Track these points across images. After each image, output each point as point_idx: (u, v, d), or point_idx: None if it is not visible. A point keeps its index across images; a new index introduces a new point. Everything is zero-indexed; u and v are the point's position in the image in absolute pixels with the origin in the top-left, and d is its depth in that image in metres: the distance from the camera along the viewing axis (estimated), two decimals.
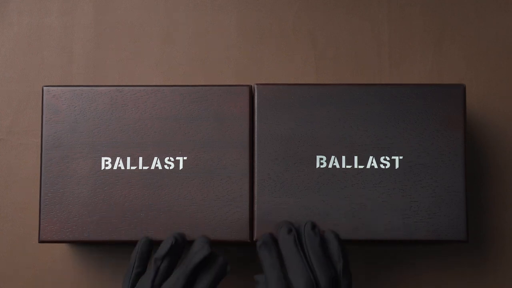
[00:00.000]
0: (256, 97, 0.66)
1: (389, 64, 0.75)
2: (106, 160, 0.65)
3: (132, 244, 0.70)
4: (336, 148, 0.65)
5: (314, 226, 0.62)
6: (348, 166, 0.65)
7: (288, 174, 0.65)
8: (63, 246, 0.72)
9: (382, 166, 0.65)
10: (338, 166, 0.65)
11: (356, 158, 0.65)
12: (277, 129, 0.65)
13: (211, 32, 0.75)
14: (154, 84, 0.73)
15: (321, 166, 0.65)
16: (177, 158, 0.65)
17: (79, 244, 0.72)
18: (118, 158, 0.65)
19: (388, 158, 0.65)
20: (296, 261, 0.60)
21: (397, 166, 0.65)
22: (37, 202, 0.69)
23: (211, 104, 0.66)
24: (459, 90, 0.66)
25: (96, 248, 0.72)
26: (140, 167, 0.65)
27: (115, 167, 0.65)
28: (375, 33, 0.75)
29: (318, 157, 0.65)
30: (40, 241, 0.65)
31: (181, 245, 0.63)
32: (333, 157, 0.65)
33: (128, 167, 0.65)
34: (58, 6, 0.76)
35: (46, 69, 0.75)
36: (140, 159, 0.65)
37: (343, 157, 0.65)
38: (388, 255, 0.72)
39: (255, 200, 0.65)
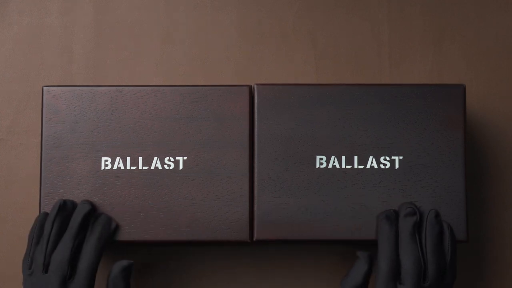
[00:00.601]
0: (256, 97, 0.66)
1: (389, 64, 0.75)
2: (106, 160, 0.65)
3: (132, 244, 0.70)
4: (336, 148, 0.65)
5: (437, 215, 0.63)
6: (348, 166, 0.65)
7: (288, 174, 0.65)
8: None
9: (382, 166, 0.65)
10: (338, 166, 0.65)
11: (356, 158, 0.65)
12: (277, 129, 0.65)
13: (211, 32, 0.75)
14: (154, 84, 0.73)
15: (321, 166, 0.65)
16: (177, 158, 0.65)
17: None
18: (118, 158, 0.65)
19: (388, 158, 0.65)
20: (411, 243, 0.61)
21: (397, 166, 0.65)
22: (37, 202, 0.69)
23: (211, 104, 0.66)
24: (459, 90, 0.66)
25: None
26: (140, 167, 0.65)
27: (115, 167, 0.65)
28: (375, 33, 0.75)
29: (318, 157, 0.65)
30: None
31: (70, 209, 0.63)
32: (333, 157, 0.65)
33: (128, 167, 0.65)
34: (58, 6, 0.76)
35: (46, 69, 0.75)
36: (140, 159, 0.65)
37: (343, 157, 0.65)
38: None
39: (255, 200, 0.65)
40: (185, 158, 0.65)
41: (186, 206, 0.65)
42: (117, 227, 0.64)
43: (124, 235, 0.65)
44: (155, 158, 0.65)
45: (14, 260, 0.72)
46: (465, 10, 0.75)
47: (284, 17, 0.76)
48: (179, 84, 0.72)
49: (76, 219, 0.63)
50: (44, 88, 0.67)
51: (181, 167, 0.65)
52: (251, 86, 0.66)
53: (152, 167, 0.65)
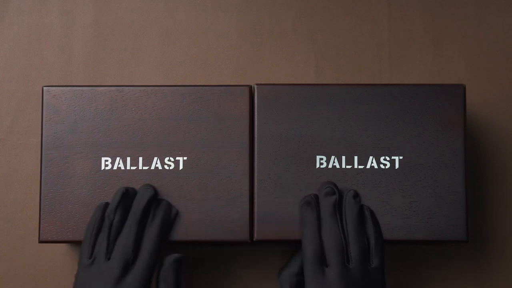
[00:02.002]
0: (256, 97, 0.66)
1: (389, 64, 0.75)
2: (106, 160, 0.65)
3: None
4: (336, 148, 0.65)
5: (356, 195, 0.63)
6: (348, 166, 0.65)
7: (288, 174, 0.65)
8: (63, 246, 0.72)
9: (382, 166, 0.65)
10: (338, 166, 0.65)
11: (356, 158, 0.65)
12: (277, 129, 0.65)
13: (211, 32, 0.75)
14: (154, 84, 0.73)
15: (321, 166, 0.65)
16: (177, 158, 0.65)
17: (79, 244, 0.72)
18: (118, 158, 0.65)
19: (388, 158, 0.65)
20: (331, 223, 0.61)
21: (397, 166, 0.65)
22: (37, 202, 0.69)
23: (211, 104, 0.66)
24: (459, 90, 0.66)
25: None
26: (140, 167, 0.65)
27: (115, 167, 0.65)
28: (375, 33, 0.75)
29: (318, 157, 0.65)
30: (40, 241, 0.65)
31: (132, 196, 0.63)
32: (333, 157, 0.65)
33: (128, 167, 0.65)
34: (58, 6, 0.76)
35: (46, 69, 0.75)
36: (140, 159, 0.65)
37: (343, 157, 0.65)
38: (388, 255, 0.72)
39: (255, 200, 0.65)
40: (185, 158, 0.65)
41: (186, 206, 0.65)
42: (178, 213, 0.64)
43: None
44: (155, 158, 0.65)
45: (14, 260, 0.72)
46: (465, 10, 0.76)
47: (284, 17, 0.76)
48: (179, 84, 0.72)
49: (140, 203, 0.63)
50: (44, 88, 0.67)
51: (181, 167, 0.65)
52: (251, 86, 0.66)
53: (152, 167, 0.65)
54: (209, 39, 0.75)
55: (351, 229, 0.61)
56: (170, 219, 0.64)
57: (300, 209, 0.63)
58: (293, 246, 0.72)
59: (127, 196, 0.63)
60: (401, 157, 0.65)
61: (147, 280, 0.61)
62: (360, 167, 0.65)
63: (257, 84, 0.66)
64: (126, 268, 0.61)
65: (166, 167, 0.65)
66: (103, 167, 0.65)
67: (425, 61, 0.75)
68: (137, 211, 0.62)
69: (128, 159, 0.65)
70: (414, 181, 0.65)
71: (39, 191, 0.66)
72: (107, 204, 0.64)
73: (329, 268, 0.60)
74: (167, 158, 0.65)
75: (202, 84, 0.71)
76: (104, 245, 0.61)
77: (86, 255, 0.62)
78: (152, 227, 0.62)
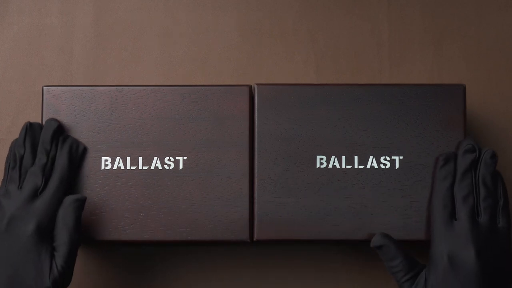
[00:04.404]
0: (256, 97, 0.66)
1: (389, 64, 0.75)
2: (106, 160, 0.65)
3: (132, 244, 0.70)
4: (336, 148, 0.65)
5: (494, 156, 0.63)
6: (348, 166, 0.65)
7: (288, 174, 0.65)
8: None
9: (382, 166, 0.65)
10: (338, 166, 0.65)
11: (356, 158, 0.65)
12: (277, 129, 0.65)
13: (211, 32, 0.75)
14: (154, 84, 0.73)
15: (321, 166, 0.65)
16: (177, 158, 0.65)
17: None
18: (118, 158, 0.65)
19: (388, 158, 0.65)
20: (466, 177, 0.62)
21: (397, 166, 0.65)
22: None
23: (211, 104, 0.66)
24: (459, 90, 0.66)
25: (96, 248, 0.72)
26: (140, 167, 0.65)
27: (115, 167, 0.65)
28: (375, 33, 0.75)
29: (318, 157, 0.65)
30: None
31: (37, 128, 0.65)
32: (333, 157, 0.65)
33: (128, 167, 0.65)
34: (58, 6, 0.76)
35: (46, 69, 0.75)
36: (140, 159, 0.65)
37: (343, 157, 0.65)
38: None
39: (255, 200, 0.65)
40: (185, 158, 0.65)
41: (186, 206, 0.65)
42: (85, 149, 0.65)
43: (124, 235, 0.65)
44: (155, 158, 0.65)
45: None
46: (465, 10, 0.76)
47: (284, 17, 0.76)
48: (179, 84, 0.72)
49: (46, 134, 0.64)
50: (44, 88, 0.67)
51: (181, 167, 0.65)
52: (251, 86, 0.66)
53: (152, 167, 0.65)
54: (209, 39, 0.75)
55: (484, 186, 0.62)
56: (78, 152, 0.65)
57: (435, 164, 0.64)
58: (293, 246, 0.72)
59: (32, 129, 0.64)
60: (401, 157, 0.65)
61: (54, 206, 0.62)
62: (360, 167, 0.65)
63: (257, 84, 0.66)
64: (35, 194, 0.62)
65: (166, 167, 0.65)
66: (103, 167, 0.65)
67: (425, 61, 0.75)
68: (44, 140, 0.64)
69: (128, 159, 0.65)
70: (414, 181, 0.65)
71: None
72: (16, 141, 0.65)
73: (458, 221, 0.61)
74: (167, 158, 0.65)
75: (202, 84, 0.71)
76: (16, 177, 0.63)
77: (2, 190, 0.63)
78: (60, 158, 0.64)
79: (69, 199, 0.62)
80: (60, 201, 0.62)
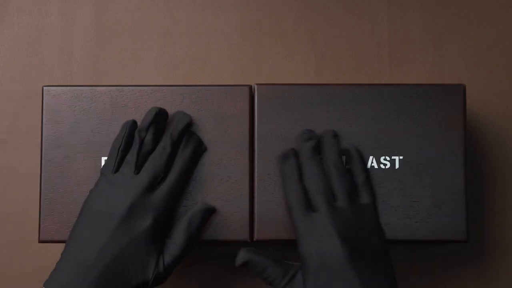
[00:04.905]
0: (256, 97, 0.66)
1: (389, 64, 0.75)
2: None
3: None
4: None
5: (335, 135, 0.62)
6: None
7: None
8: (63, 246, 0.72)
9: (382, 166, 0.65)
10: None
11: None
12: (277, 129, 0.65)
13: (211, 32, 0.75)
14: (154, 84, 0.73)
15: None
16: None
17: None
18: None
19: (388, 158, 0.65)
20: (311, 166, 0.61)
21: (397, 166, 0.65)
22: (37, 202, 0.69)
23: (211, 104, 0.66)
24: (459, 90, 0.66)
25: None
26: None
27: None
28: (375, 33, 0.75)
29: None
30: (40, 241, 0.65)
31: (164, 115, 0.64)
32: None
33: None
34: (58, 6, 0.76)
35: (46, 69, 0.75)
36: None
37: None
38: None
39: (255, 200, 0.65)
40: None
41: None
42: (206, 149, 0.64)
43: None
44: None
45: (14, 260, 0.72)
46: (465, 10, 0.76)
47: (284, 17, 0.76)
48: (179, 84, 0.72)
49: (178, 126, 0.63)
50: (44, 88, 0.67)
51: None
52: (251, 86, 0.66)
53: None
54: (209, 39, 0.75)
55: (333, 168, 0.60)
56: (201, 150, 0.64)
57: (278, 163, 0.63)
58: (293, 246, 0.72)
59: (160, 116, 0.63)
60: (401, 157, 0.65)
61: (172, 199, 0.61)
62: None
63: (257, 84, 0.66)
64: (155, 183, 0.60)
65: None
66: None
67: (425, 61, 0.75)
68: (174, 133, 0.62)
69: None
70: (414, 181, 0.65)
71: (39, 191, 0.66)
72: (134, 122, 0.63)
73: (316, 212, 0.59)
74: None
75: (202, 84, 0.71)
76: (133, 160, 0.61)
77: (110, 169, 0.62)
78: (185, 152, 0.62)
79: (205, 205, 0.62)
80: (178, 195, 0.61)
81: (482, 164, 0.73)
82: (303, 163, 0.61)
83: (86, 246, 0.58)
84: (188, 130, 0.64)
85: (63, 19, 0.75)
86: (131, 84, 0.73)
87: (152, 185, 0.60)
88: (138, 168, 0.61)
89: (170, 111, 0.65)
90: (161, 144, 0.62)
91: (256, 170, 0.65)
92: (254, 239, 0.64)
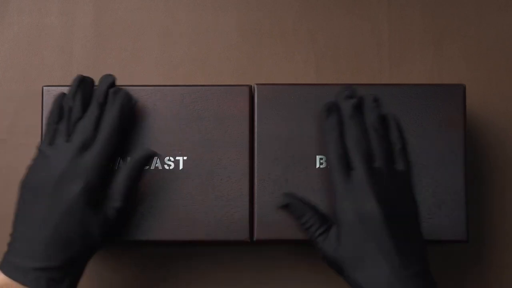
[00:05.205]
0: (256, 97, 0.66)
1: (389, 64, 0.75)
2: None
3: (132, 244, 0.70)
4: None
5: (376, 99, 0.62)
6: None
7: (288, 174, 0.65)
8: None
9: None
10: None
11: None
12: (277, 129, 0.65)
13: (211, 32, 0.75)
14: (154, 84, 0.73)
15: (321, 166, 0.65)
16: (177, 158, 0.65)
17: None
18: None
19: None
20: (352, 125, 0.61)
21: None
22: None
23: (211, 104, 0.66)
24: (459, 90, 0.66)
25: None
26: None
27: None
28: (375, 33, 0.75)
29: (318, 157, 0.65)
30: None
31: (90, 82, 0.64)
32: None
33: None
34: (58, 6, 0.76)
35: (46, 69, 0.75)
36: None
37: None
38: None
39: (255, 200, 0.64)
40: (185, 158, 0.65)
41: (186, 206, 0.65)
42: (136, 103, 0.64)
43: (124, 235, 0.64)
44: (155, 158, 0.65)
45: None
46: (465, 10, 0.76)
47: (284, 17, 0.76)
48: (179, 84, 0.72)
49: (102, 87, 0.63)
50: (44, 88, 0.67)
51: (181, 167, 0.65)
52: (251, 86, 0.66)
53: (152, 167, 0.65)
54: (209, 39, 0.75)
55: (373, 131, 0.61)
56: (130, 105, 0.64)
57: (322, 117, 0.63)
58: (293, 246, 0.72)
59: (84, 82, 0.63)
60: None
61: (104, 159, 0.60)
62: None
63: (257, 84, 0.66)
64: (85, 147, 0.60)
65: (166, 167, 0.65)
66: None
67: (425, 61, 0.75)
68: (98, 94, 0.62)
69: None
70: (414, 181, 0.65)
71: None
72: (62, 94, 0.64)
73: (354, 171, 0.59)
74: (167, 158, 0.65)
75: (202, 84, 0.71)
76: (64, 129, 0.61)
77: (45, 142, 0.62)
78: (112, 110, 0.62)
79: (145, 151, 0.62)
80: (109, 154, 0.61)
81: (482, 164, 0.73)
82: (345, 119, 0.61)
83: (29, 222, 0.59)
84: (115, 88, 0.63)
85: (63, 19, 0.75)
86: (131, 84, 0.73)
87: (83, 148, 0.60)
88: (69, 135, 0.61)
89: (170, 111, 0.65)
90: (89, 109, 0.62)
91: (256, 170, 0.65)
92: (254, 239, 0.64)
